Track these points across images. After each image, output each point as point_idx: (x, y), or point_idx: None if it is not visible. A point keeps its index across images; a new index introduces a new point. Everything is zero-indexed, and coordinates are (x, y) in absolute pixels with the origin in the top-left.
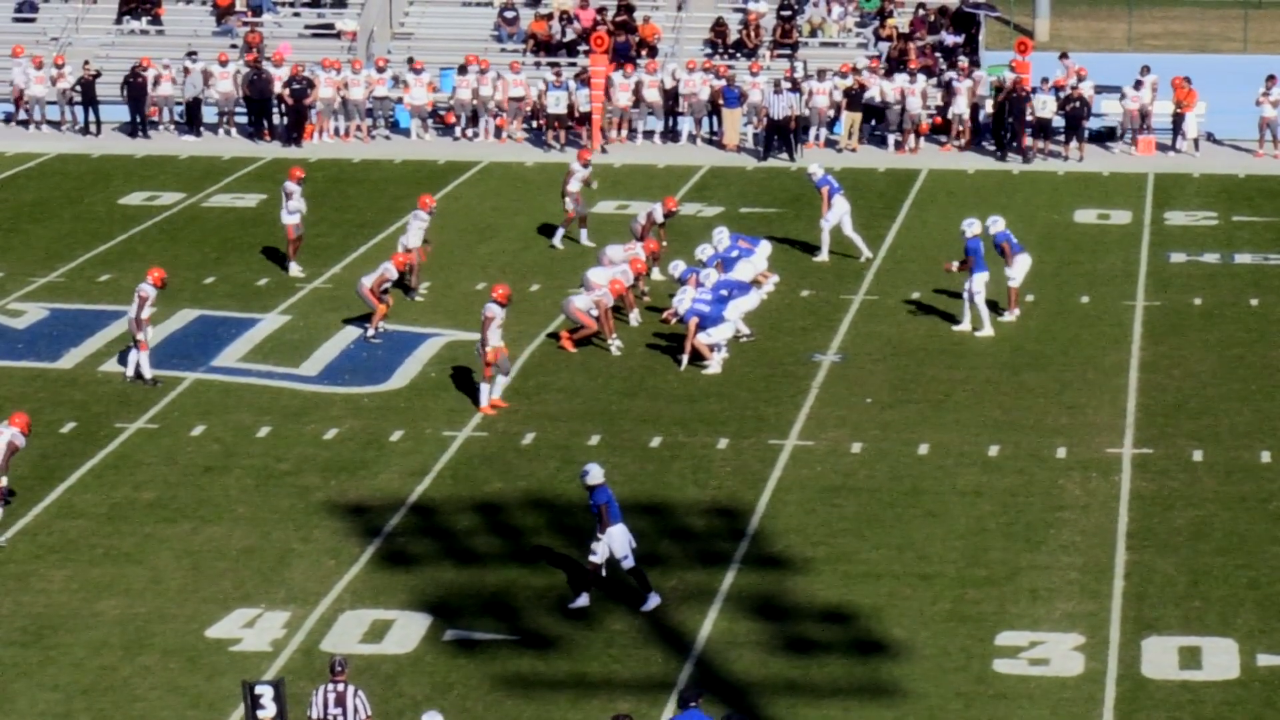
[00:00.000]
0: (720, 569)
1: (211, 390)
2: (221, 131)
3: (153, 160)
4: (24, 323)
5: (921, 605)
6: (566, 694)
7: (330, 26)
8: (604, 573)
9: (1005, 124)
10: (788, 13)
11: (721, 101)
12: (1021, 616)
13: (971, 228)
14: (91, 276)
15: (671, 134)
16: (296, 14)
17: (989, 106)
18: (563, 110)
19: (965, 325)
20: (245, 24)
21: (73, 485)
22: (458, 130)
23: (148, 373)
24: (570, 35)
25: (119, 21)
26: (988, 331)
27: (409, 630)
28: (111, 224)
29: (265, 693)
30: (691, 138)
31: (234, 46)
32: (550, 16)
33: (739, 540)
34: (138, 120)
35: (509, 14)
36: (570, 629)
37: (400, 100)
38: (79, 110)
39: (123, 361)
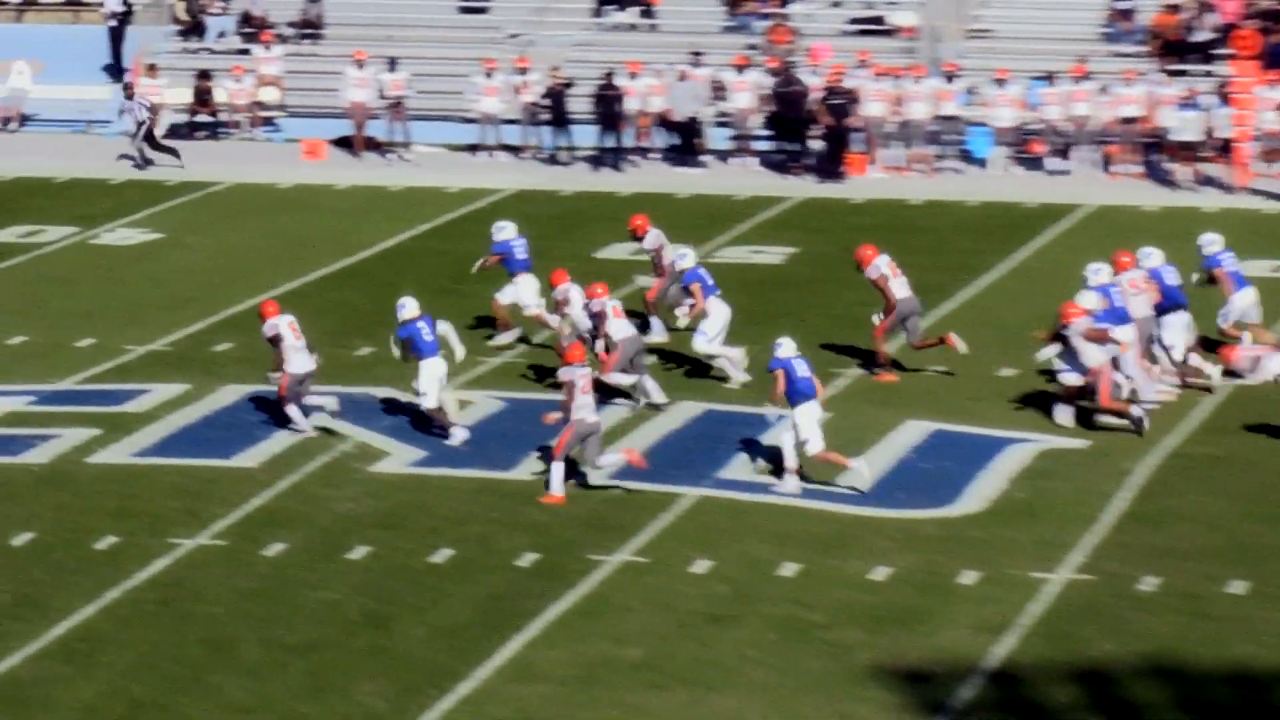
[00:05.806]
0: None
1: (717, 510)
2: (744, 160)
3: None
4: None
5: None
6: None
7: (880, 20)
8: None
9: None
10: None
11: None
12: None
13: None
14: None
15: None
16: (835, 3)
17: None
18: (1194, 137)
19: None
20: (766, 15)
21: (534, 638)
22: (1047, 162)
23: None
24: (1206, 34)
25: (597, 14)
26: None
27: None
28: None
29: None
30: None
31: (752, 47)
32: (1177, 8)
33: None
34: (609, 144)
35: (1122, 4)
36: None
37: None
38: (544, 132)
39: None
